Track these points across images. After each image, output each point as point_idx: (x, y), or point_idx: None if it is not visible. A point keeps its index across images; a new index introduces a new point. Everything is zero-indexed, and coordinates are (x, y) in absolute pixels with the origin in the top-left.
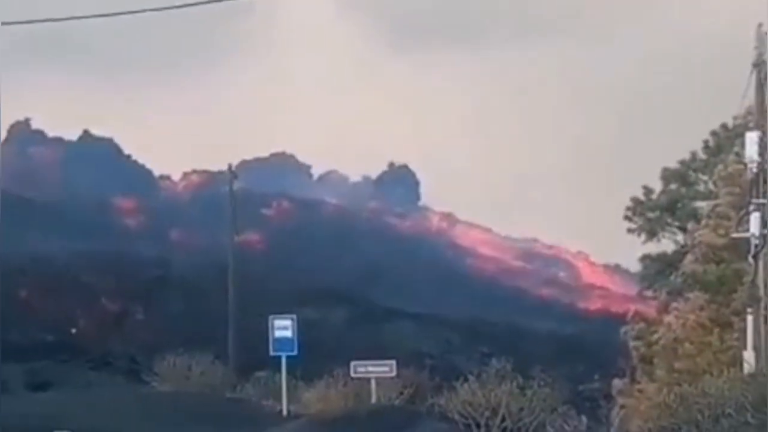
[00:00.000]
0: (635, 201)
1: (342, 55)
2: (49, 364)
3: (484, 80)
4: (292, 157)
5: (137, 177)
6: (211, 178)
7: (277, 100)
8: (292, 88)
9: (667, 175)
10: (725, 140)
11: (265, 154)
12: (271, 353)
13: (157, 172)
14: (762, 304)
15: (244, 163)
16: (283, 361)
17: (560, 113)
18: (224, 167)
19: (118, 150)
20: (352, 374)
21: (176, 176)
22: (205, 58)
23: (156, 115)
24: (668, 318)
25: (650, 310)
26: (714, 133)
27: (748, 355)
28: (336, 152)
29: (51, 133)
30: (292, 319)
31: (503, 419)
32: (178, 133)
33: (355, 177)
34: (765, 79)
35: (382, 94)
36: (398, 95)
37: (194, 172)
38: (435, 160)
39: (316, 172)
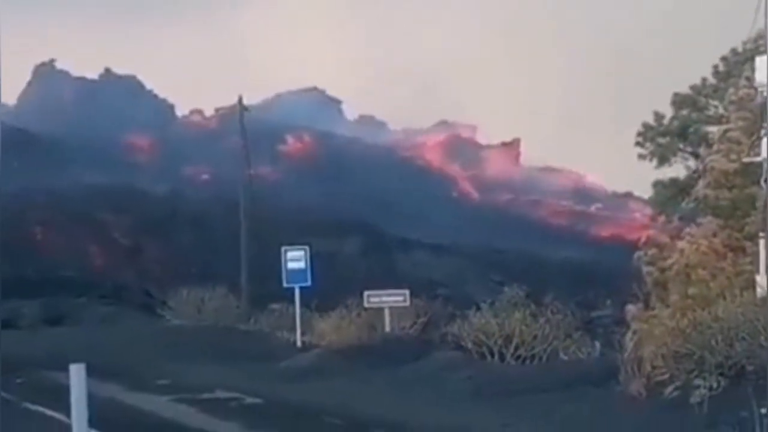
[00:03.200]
0: (646, 127)
1: None
2: (64, 299)
3: (498, 5)
4: (322, 92)
5: (158, 113)
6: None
7: (295, 32)
8: (309, 21)
9: (678, 101)
10: (735, 65)
11: (293, 87)
12: (285, 285)
13: (179, 108)
14: None
15: (276, 97)
16: (297, 292)
17: (568, 40)
18: (253, 101)
19: (140, 87)
20: (366, 304)
21: (197, 111)
22: None
23: (176, 51)
24: (681, 243)
25: (663, 236)
26: (724, 58)
27: (761, 279)
28: (357, 84)
29: (75, 73)
30: (305, 251)
31: (517, 347)
32: (200, 68)
33: (371, 106)
34: None
35: (394, 20)
36: (412, 23)
37: (219, 109)
38: (450, 89)
39: (341, 107)
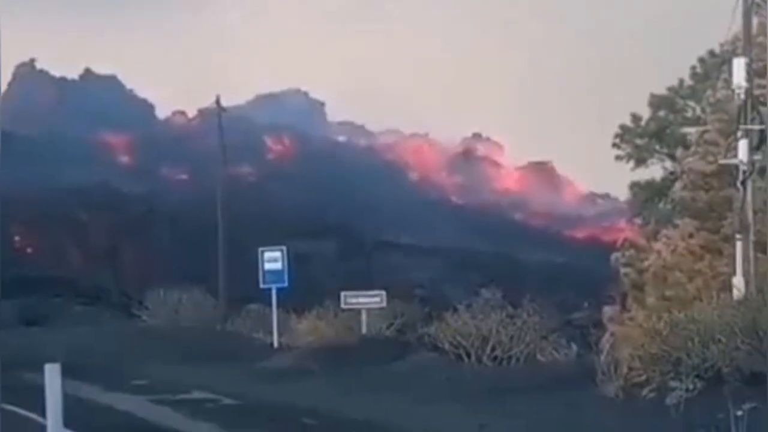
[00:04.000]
0: (623, 128)
1: None
2: (41, 298)
3: (476, 7)
4: (304, 94)
5: (138, 113)
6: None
7: (284, 33)
8: (289, 23)
9: (655, 102)
10: (712, 66)
11: (278, 89)
12: (262, 286)
13: (159, 108)
14: (751, 230)
15: (259, 99)
16: (274, 293)
17: (546, 41)
18: (236, 102)
19: (120, 86)
20: (343, 305)
21: (178, 111)
22: None
23: (157, 50)
24: (658, 245)
25: (640, 238)
26: (701, 60)
27: (738, 281)
28: (339, 86)
29: (55, 73)
30: (282, 251)
31: (493, 348)
32: (182, 68)
33: (349, 108)
34: (752, 4)
35: (378, 25)
36: (394, 25)
37: (201, 109)
38: (423, 90)
39: (324, 110)
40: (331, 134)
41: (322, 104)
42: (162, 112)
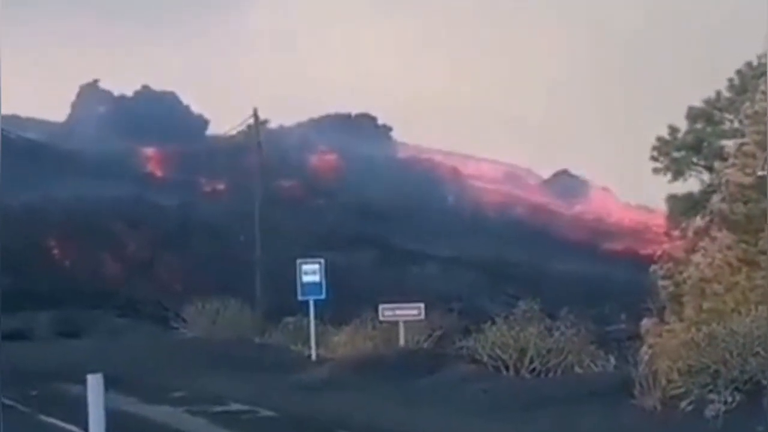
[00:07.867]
0: (661, 140)
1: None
2: (79, 311)
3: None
4: (373, 119)
5: (191, 128)
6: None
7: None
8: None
9: (693, 114)
10: (750, 79)
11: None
12: (299, 298)
13: (213, 123)
14: None
15: (325, 118)
16: (311, 305)
17: (582, 50)
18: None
19: (177, 103)
20: (381, 318)
21: (228, 126)
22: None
23: (214, 66)
24: (696, 257)
25: (678, 250)
26: (739, 72)
27: None
28: (362, 99)
29: (116, 92)
30: (320, 264)
31: (531, 361)
32: (242, 84)
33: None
34: None
35: (406, 35)
36: (419, 35)
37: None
38: (457, 98)
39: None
40: (370, 150)
41: (390, 129)
42: (214, 127)
